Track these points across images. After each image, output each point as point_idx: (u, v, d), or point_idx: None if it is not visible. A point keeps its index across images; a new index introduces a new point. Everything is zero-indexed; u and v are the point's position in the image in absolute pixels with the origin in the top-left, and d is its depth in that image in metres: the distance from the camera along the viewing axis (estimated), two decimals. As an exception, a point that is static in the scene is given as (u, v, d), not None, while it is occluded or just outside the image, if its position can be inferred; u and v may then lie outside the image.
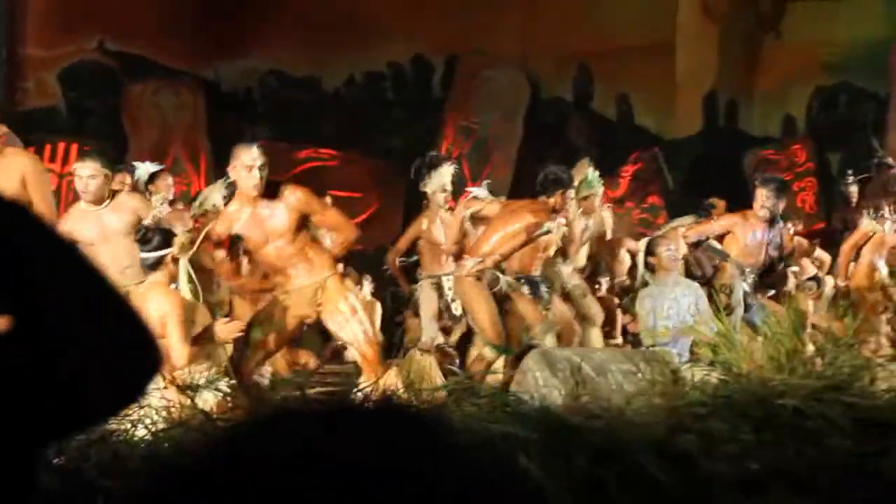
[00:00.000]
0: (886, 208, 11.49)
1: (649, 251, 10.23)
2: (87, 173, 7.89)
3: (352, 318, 7.89)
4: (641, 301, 10.00)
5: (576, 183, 10.70)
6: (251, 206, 7.73)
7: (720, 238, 10.48)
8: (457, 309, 10.18)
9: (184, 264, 7.23)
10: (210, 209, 8.27)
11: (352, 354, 9.87)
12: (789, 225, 12.34)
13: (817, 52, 17.39)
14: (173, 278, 7.14)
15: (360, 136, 15.55)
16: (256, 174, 7.62)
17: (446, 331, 10.69)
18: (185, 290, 7.23)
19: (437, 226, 10.65)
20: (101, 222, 7.80)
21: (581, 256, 10.95)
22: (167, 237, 7.24)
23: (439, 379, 8.43)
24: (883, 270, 11.23)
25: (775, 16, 17.15)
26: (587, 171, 11.38)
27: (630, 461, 5.71)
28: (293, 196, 7.80)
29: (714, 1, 17.41)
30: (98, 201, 7.91)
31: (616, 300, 11.84)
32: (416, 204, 15.53)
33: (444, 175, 10.38)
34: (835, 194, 16.79)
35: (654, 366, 6.86)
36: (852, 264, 11.52)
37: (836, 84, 17.46)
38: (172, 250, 7.17)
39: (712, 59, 17.49)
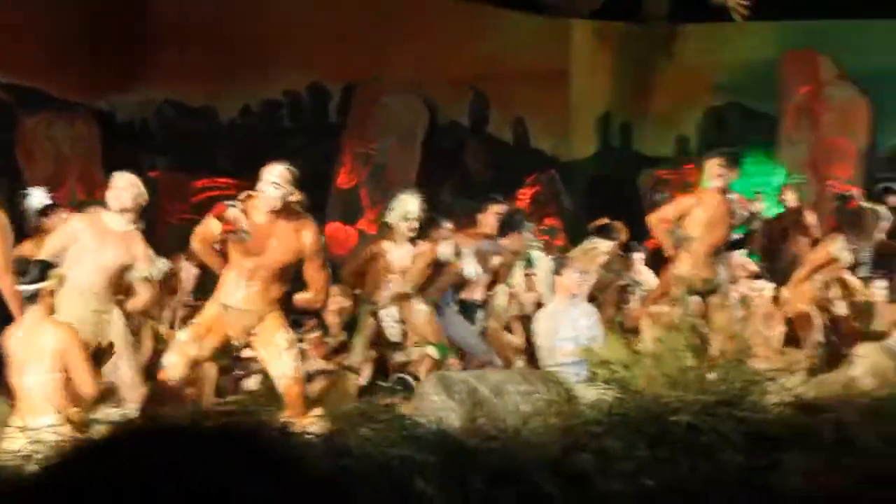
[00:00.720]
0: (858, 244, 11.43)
1: (556, 271, 10.34)
2: (121, 184, 8.13)
3: (285, 352, 7.91)
4: (540, 321, 10.08)
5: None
6: (269, 217, 7.88)
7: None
8: (393, 336, 10.33)
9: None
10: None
11: (252, 383, 9.87)
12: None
13: (708, 74, 17.67)
14: (51, 311, 7.10)
15: (258, 164, 15.46)
16: (270, 191, 7.85)
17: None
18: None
19: (397, 254, 10.77)
20: (105, 234, 7.88)
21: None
22: (44, 270, 7.22)
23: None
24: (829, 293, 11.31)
25: (667, 39, 17.37)
26: (532, 252, 11.62)
27: (526, 481, 5.75)
28: (310, 239, 7.98)
29: (606, 25, 17.60)
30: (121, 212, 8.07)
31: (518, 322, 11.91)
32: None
33: (406, 203, 10.50)
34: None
35: (551, 386, 6.92)
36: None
37: (726, 104, 17.74)
38: (50, 283, 7.14)
39: (606, 82, 17.68)
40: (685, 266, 10.05)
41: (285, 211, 7.94)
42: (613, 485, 5.93)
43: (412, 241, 10.25)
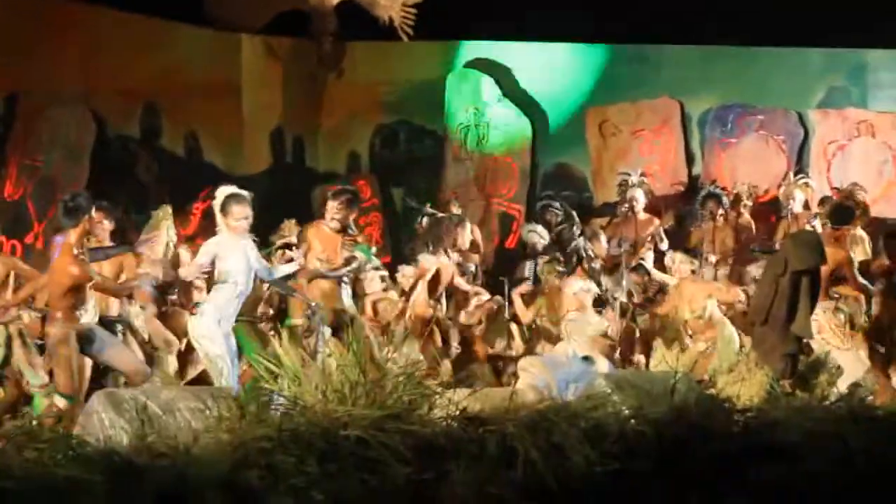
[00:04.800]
0: (446, 247, 12.13)
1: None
2: None
3: None
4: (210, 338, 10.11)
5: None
6: None
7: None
8: None
9: None
10: None
11: None
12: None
13: (377, 91, 17.94)
14: None
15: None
16: None
17: None
18: None
19: None
20: None
21: None
22: None
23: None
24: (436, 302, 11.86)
25: (335, 56, 17.55)
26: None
27: (197, 499, 5.75)
28: None
29: (277, 41, 17.65)
30: None
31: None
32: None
33: None
34: (399, 228, 17.37)
35: (222, 402, 6.90)
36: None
37: (395, 122, 18.06)
38: None
39: (277, 97, 17.73)
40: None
41: None
42: (284, 501, 5.99)
43: None
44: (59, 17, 15.67)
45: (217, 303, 9.80)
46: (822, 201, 15.18)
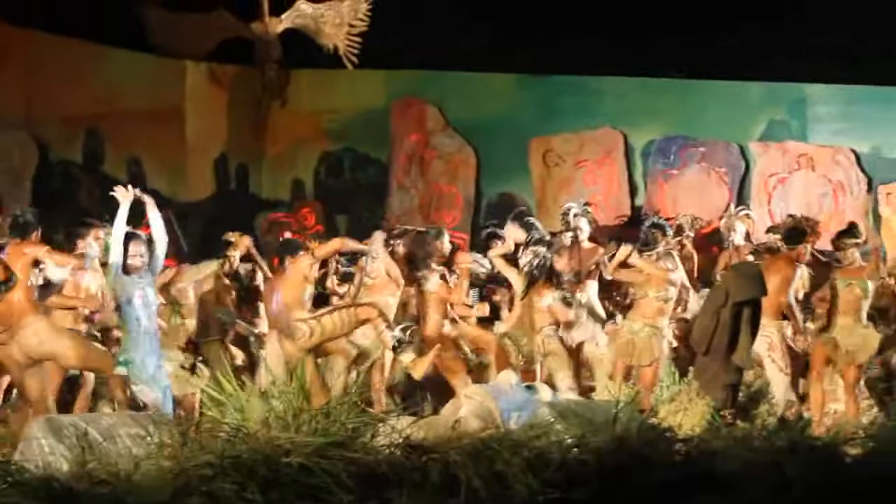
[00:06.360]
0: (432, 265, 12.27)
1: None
2: None
3: None
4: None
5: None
6: None
7: None
8: None
9: None
10: None
11: None
12: None
13: (322, 119, 17.96)
14: None
15: None
16: None
17: None
18: None
19: None
20: None
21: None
22: None
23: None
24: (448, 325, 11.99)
25: (280, 84, 17.54)
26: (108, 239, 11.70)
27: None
28: None
29: (221, 68, 17.63)
30: None
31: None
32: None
33: None
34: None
35: (163, 428, 6.87)
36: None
37: (340, 149, 18.07)
38: None
39: (221, 124, 17.70)
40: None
41: None
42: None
43: None
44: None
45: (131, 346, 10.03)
46: (770, 230, 15.30)
